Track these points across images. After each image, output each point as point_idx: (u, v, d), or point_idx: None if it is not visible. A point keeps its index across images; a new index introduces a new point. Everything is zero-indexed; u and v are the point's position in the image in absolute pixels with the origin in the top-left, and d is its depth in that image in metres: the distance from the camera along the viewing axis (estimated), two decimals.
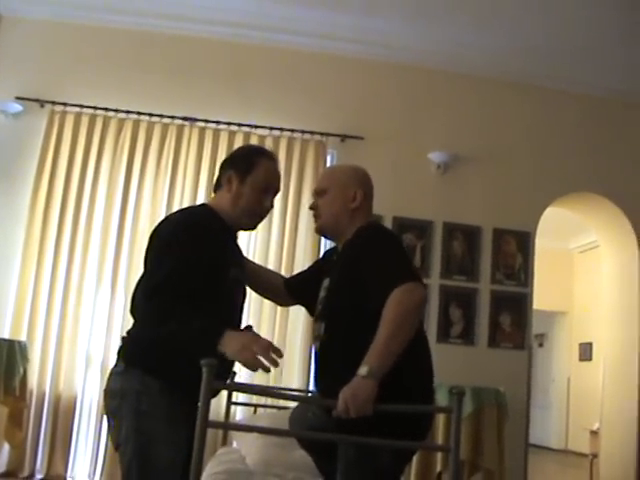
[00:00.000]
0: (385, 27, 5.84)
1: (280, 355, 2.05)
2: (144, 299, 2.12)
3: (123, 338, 2.36)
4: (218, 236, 2.31)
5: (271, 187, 2.45)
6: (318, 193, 2.53)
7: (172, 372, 2.14)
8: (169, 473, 2.14)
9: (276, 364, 2.03)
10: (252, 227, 2.50)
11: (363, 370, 2.04)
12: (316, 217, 2.53)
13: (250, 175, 2.38)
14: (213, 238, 2.26)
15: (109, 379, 2.29)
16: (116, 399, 2.22)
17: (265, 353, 2.01)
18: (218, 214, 2.36)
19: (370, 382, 2.02)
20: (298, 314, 5.37)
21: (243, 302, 2.49)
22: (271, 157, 2.48)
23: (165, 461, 2.14)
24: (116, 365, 2.29)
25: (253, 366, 2.01)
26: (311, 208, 2.56)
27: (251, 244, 5.55)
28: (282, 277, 2.88)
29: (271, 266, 5.27)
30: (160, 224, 2.37)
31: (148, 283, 2.14)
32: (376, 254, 2.27)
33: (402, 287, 2.13)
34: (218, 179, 2.46)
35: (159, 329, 2.10)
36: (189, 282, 2.11)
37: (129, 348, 2.29)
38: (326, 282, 2.46)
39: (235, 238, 2.48)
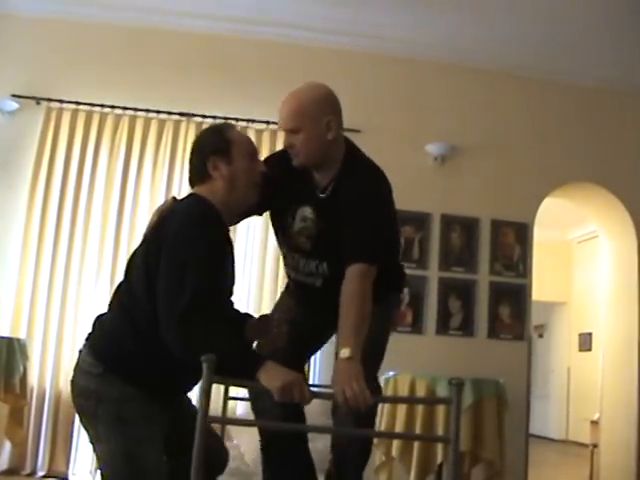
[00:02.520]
0: (381, 19, 5.81)
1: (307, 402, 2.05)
2: (165, 318, 2.06)
3: (100, 336, 2.25)
4: (221, 242, 2.23)
5: (254, 151, 2.39)
6: (292, 132, 2.38)
7: (153, 380, 2.15)
8: (156, 470, 2.15)
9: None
10: (255, 199, 2.36)
11: (346, 352, 2.09)
12: (294, 155, 2.41)
13: (232, 151, 2.29)
14: (220, 245, 2.21)
15: (80, 375, 2.21)
16: (91, 400, 2.17)
17: (301, 401, 2.01)
18: (215, 206, 2.25)
19: (356, 363, 2.08)
20: None
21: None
22: (233, 126, 2.47)
23: (152, 459, 2.15)
24: (87, 360, 2.20)
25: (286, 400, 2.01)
26: (287, 147, 2.43)
27: (250, 234, 5.57)
28: None
29: (271, 254, 5.40)
30: (168, 217, 2.26)
31: (172, 302, 2.05)
32: (367, 217, 2.35)
33: (362, 268, 2.26)
34: (197, 172, 2.33)
35: (188, 345, 2.04)
36: (210, 299, 2.08)
37: (111, 352, 2.19)
38: (306, 211, 2.42)
39: (228, 231, 2.32)
